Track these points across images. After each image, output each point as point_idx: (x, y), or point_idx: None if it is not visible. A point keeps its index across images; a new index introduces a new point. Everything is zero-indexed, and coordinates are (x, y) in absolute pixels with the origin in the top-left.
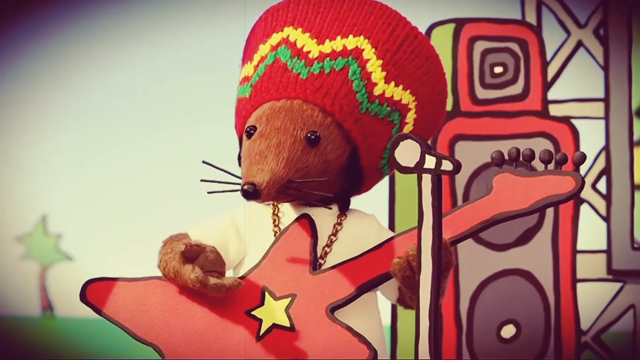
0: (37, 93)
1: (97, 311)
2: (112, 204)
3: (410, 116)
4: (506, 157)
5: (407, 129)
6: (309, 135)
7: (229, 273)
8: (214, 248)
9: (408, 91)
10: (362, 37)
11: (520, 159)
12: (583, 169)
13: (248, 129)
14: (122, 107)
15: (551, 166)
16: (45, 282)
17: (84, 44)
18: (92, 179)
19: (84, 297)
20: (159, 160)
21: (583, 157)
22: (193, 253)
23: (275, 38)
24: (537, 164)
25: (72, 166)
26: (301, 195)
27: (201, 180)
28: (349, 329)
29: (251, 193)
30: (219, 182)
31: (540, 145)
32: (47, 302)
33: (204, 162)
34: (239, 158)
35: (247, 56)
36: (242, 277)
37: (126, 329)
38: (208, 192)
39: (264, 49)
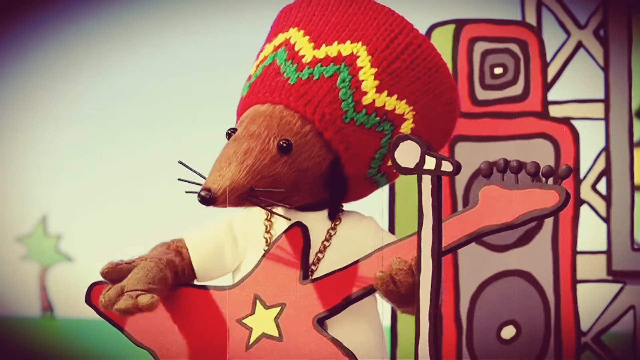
0: (37, 93)
1: (101, 314)
2: (113, 205)
3: (407, 126)
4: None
5: None
6: (282, 143)
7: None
8: (149, 264)
9: (404, 101)
10: (359, 43)
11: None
12: (583, 169)
13: (228, 131)
14: (122, 107)
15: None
16: (46, 282)
17: (84, 44)
18: (92, 179)
19: (88, 299)
20: (159, 161)
21: (569, 171)
22: (114, 274)
23: (279, 39)
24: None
25: (72, 166)
26: (268, 203)
27: (178, 180)
28: (335, 341)
29: (207, 199)
30: (192, 182)
31: (540, 146)
32: (47, 302)
33: (179, 162)
34: None
35: (258, 54)
36: (234, 285)
37: (126, 332)
38: (186, 192)
39: (267, 49)
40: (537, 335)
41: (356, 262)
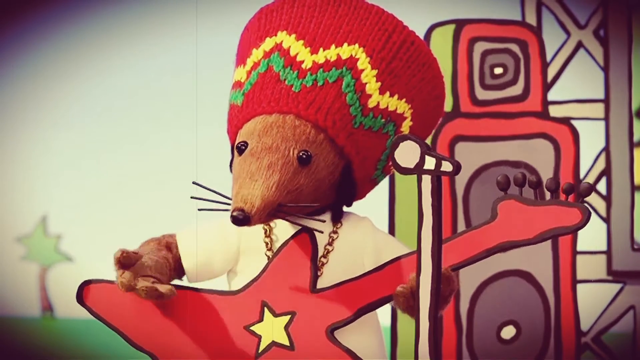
0: (37, 93)
1: (96, 315)
2: (113, 205)
3: (406, 124)
4: (512, 182)
5: None
6: (301, 154)
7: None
8: (155, 258)
9: (403, 100)
10: (356, 45)
11: (526, 185)
12: (583, 169)
13: (239, 145)
14: (122, 107)
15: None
16: (45, 282)
17: (84, 44)
18: (92, 179)
19: (80, 298)
20: (159, 161)
21: (590, 189)
22: (129, 260)
23: (268, 43)
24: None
25: (72, 167)
26: (295, 217)
27: (191, 198)
28: (349, 352)
29: (241, 220)
30: (209, 200)
31: (540, 146)
32: (47, 302)
33: (194, 183)
34: (232, 164)
35: (240, 58)
36: (240, 290)
37: (124, 335)
38: (199, 209)
39: (257, 55)
40: (537, 335)
41: (368, 272)
